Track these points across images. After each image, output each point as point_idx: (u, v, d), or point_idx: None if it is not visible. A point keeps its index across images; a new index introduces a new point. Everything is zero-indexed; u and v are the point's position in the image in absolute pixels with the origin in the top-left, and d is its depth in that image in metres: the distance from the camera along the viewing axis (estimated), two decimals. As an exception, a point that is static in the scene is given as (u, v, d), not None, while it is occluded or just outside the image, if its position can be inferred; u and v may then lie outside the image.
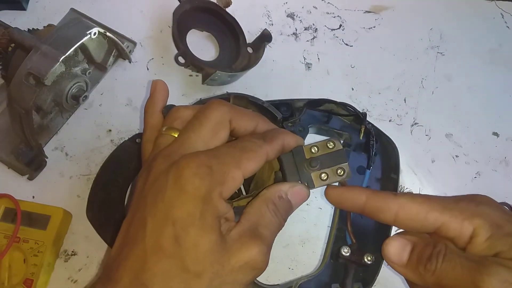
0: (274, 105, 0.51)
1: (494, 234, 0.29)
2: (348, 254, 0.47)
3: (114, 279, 0.29)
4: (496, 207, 0.31)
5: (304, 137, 0.53)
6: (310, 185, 0.36)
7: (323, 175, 0.36)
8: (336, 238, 0.51)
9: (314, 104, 0.55)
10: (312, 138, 0.55)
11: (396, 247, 0.31)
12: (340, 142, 0.37)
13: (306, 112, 0.54)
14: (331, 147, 0.36)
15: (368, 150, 0.53)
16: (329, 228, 0.54)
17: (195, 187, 0.30)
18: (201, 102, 0.48)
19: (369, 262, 0.47)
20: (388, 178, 0.54)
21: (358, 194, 0.33)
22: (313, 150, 0.36)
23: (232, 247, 0.30)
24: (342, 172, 0.36)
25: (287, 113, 0.52)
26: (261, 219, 0.32)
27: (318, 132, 0.56)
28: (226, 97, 0.49)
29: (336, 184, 0.36)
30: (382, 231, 0.51)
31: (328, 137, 0.37)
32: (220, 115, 0.34)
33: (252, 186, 0.41)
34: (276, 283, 0.50)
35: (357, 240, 0.49)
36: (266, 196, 0.34)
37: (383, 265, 0.49)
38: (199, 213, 0.29)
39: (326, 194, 0.35)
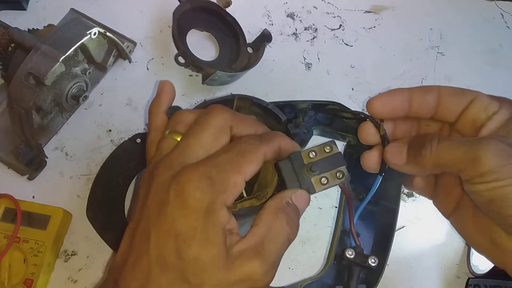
0: (277, 106, 0.51)
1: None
2: (352, 256, 0.48)
3: (121, 287, 0.30)
4: None
5: (308, 139, 0.53)
6: (312, 190, 0.36)
7: (323, 179, 0.36)
8: (340, 240, 0.51)
9: (319, 106, 0.54)
10: (315, 139, 0.54)
11: (394, 151, 0.35)
12: (337, 146, 0.37)
13: (309, 114, 0.53)
14: (328, 151, 0.36)
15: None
16: (329, 228, 0.54)
17: (197, 200, 0.30)
18: (206, 103, 0.48)
19: (373, 265, 0.47)
20: (391, 179, 0.53)
21: (400, 94, 0.36)
22: (311, 155, 0.36)
23: (233, 263, 0.30)
24: (341, 175, 0.36)
25: (290, 115, 0.52)
26: (269, 233, 0.32)
27: (321, 134, 0.56)
28: (231, 99, 0.49)
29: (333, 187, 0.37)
30: (385, 233, 0.51)
31: (324, 142, 0.37)
32: (222, 121, 0.34)
33: (256, 187, 0.40)
34: (278, 285, 0.50)
35: (361, 242, 0.49)
36: (274, 206, 0.33)
37: (386, 266, 0.50)
38: (201, 226, 0.30)
39: (370, 106, 0.36)
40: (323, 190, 0.36)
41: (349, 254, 0.48)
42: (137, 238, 0.31)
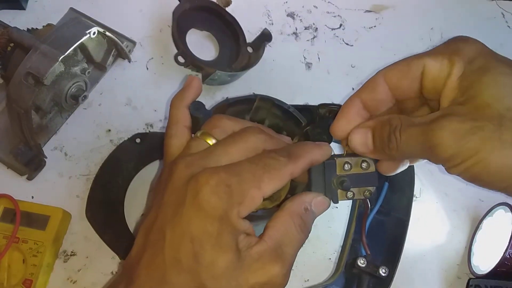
0: (296, 109, 0.49)
1: (466, 70, 0.30)
2: (364, 265, 0.47)
3: (136, 285, 0.30)
4: (474, 42, 0.32)
5: None
6: (334, 200, 0.35)
7: (349, 193, 0.35)
8: (350, 248, 0.51)
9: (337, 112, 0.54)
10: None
11: (359, 138, 0.33)
12: (375, 164, 0.35)
13: (327, 119, 0.53)
14: (364, 167, 0.35)
15: None
16: (330, 228, 0.54)
17: (212, 206, 0.30)
18: (228, 101, 0.47)
19: (384, 275, 0.47)
20: (402, 192, 0.54)
21: (351, 108, 0.35)
22: (346, 167, 0.35)
23: (252, 266, 0.30)
24: (369, 193, 0.35)
25: (309, 119, 0.51)
26: (286, 236, 0.32)
27: (337, 141, 0.55)
28: (252, 98, 0.48)
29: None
30: (395, 244, 0.51)
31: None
32: (255, 142, 0.34)
33: None
34: None
35: (371, 252, 0.49)
36: (292, 210, 0.33)
37: (395, 276, 0.50)
38: (216, 232, 0.30)
39: (335, 135, 0.35)
40: (345, 201, 0.36)
41: (361, 263, 0.47)
42: (152, 236, 0.31)
